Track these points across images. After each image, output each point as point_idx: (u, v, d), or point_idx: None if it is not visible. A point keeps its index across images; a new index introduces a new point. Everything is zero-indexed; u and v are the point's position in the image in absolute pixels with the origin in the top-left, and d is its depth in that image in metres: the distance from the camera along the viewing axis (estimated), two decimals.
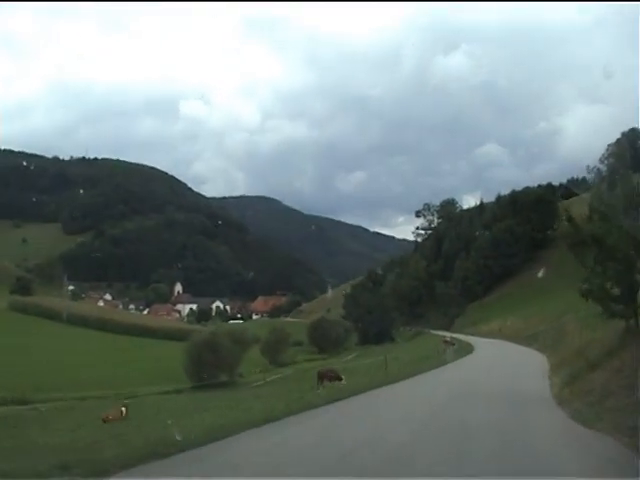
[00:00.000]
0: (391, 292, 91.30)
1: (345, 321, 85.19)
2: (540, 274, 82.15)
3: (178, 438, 10.48)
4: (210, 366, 39.06)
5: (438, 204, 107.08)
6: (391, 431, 11.87)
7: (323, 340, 73.93)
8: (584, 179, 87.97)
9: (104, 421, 23.05)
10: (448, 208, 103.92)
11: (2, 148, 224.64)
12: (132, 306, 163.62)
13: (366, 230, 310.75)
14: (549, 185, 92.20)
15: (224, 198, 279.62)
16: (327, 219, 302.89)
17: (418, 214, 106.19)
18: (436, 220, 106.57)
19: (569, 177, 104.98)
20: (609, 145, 78.65)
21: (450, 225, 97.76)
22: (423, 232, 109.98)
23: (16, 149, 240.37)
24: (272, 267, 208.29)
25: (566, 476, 7.84)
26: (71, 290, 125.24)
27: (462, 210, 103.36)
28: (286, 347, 61.39)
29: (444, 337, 55.05)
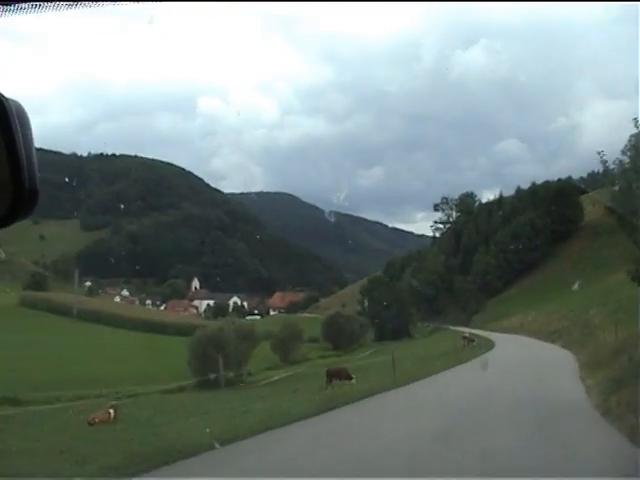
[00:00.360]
0: (408, 287, 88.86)
1: (360, 317, 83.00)
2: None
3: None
4: (215, 363, 37.15)
5: (457, 198, 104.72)
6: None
7: (338, 336, 71.89)
8: (605, 171, 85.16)
9: (90, 424, 21.45)
10: (467, 201, 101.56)
11: None
12: (149, 301, 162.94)
13: (385, 226, 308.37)
14: (569, 179, 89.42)
15: (242, 194, 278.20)
16: (346, 215, 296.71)
17: (437, 208, 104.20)
18: (454, 214, 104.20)
19: (589, 171, 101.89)
20: (631, 136, 76.06)
21: (469, 219, 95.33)
22: (442, 226, 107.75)
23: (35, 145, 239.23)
24: (290, 263, 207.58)
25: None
26: (88, 286, 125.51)
27: (481, 204, 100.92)
28: (299, 343, 59.34)
29: (463, 333, 52.76)
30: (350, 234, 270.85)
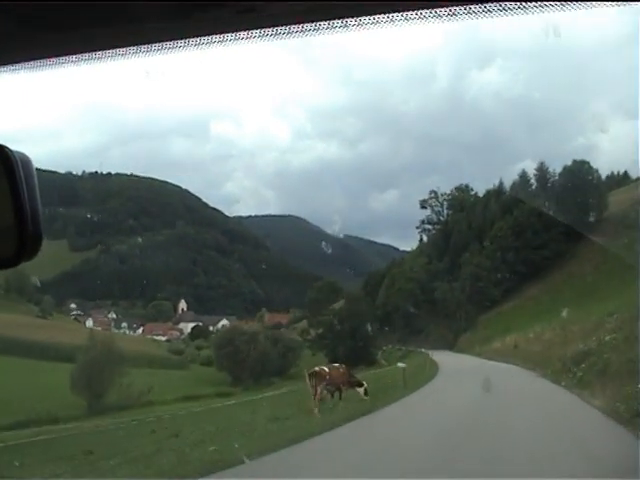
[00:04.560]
0: (383, 301, 72.43)
1: (296, 338, 64.91)
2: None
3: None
4: None
5: (448, 192, 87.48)
6: None
7: (235, 365, 52.09)
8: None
9: None
10: (460, 196, 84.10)
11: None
12: (125, 324, 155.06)
13: (396, 249, 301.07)
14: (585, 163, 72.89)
15: (250, 217, 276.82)
16: (356, 238, 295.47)
17: (423, 205, 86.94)
18: (445, 211, 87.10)
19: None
20: None
21: (462, 217, 78.51)
22: (430, 227, 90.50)
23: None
24: (289, 285, 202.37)
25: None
26: (40, 306, 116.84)
27: (477, 198, 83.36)
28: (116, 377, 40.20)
29: (319, 369, 28.44)
30: (360, 257, 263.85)
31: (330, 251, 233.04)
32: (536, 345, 45.69)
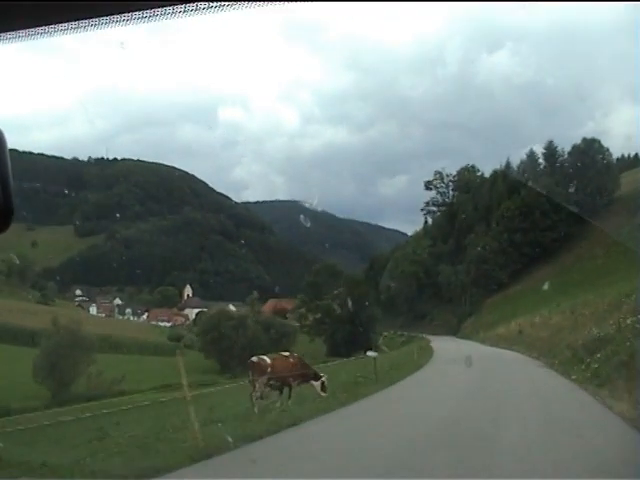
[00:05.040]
0: (387, 284, 69.70)
1: (292, 323, 62.46)
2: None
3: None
4: None
5: (455, 173, 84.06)
6: None
7: (222, 351, 48.94)
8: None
9: None
10: (466, 177, 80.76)
11: (20, 150, 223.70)
12: (129, 310, 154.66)
13: (404, 234, 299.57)
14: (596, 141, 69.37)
15: (257, 202, 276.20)
16: (364, 223, 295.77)
17: (428, 186, 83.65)
18: (451, 193, 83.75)
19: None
20: None
21: (467, 198, 75.32)
22: (435, 209, 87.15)
23: (35, 151, 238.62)
24: (297, 270, 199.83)
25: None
26: (41, 292, 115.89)
27: (484, 178, 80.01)
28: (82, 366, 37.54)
29: (260, 362, 22.67)
30: (368, 243, 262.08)
31: (338, 236, 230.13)
32: (543, 330, 42.79)
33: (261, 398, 17.44)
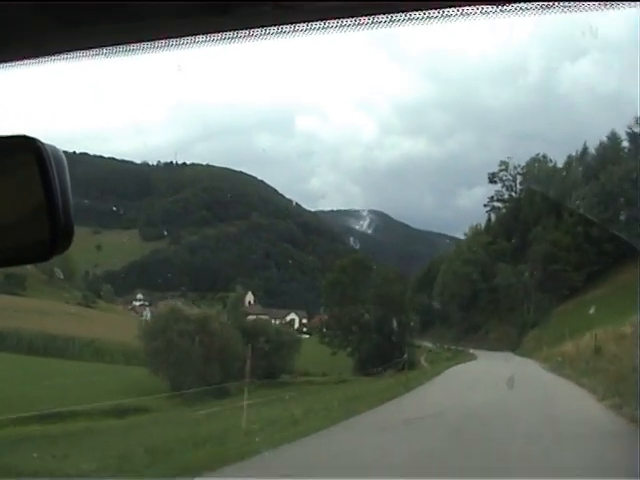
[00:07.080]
0: (441, 290, 58.57)
1: (288, 331, 51.86)
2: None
3: None
4: None
5: (523, 164, 71.65)
6: None
7: (171, 367, 36.64)
8: None
9: None
10: (536, 168, 68.26)
11: (91, 154, 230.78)
12: None
13: None
14: None
15: (332, 211, 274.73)
16: (441, 235, 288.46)
17: (492, 179, 71.83)
18: (519, 186, 71.46)
19: None
20: None
21: (536, 192, 63.13)
22: (500, 205, 75.03)
23: (106, 155, 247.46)
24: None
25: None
26: (84, 293, 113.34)
27: (556, 168, 67.27)
28: None
29: None
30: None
31: (412, 248, 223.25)
32: (629, 350, 31.40)
33: None
